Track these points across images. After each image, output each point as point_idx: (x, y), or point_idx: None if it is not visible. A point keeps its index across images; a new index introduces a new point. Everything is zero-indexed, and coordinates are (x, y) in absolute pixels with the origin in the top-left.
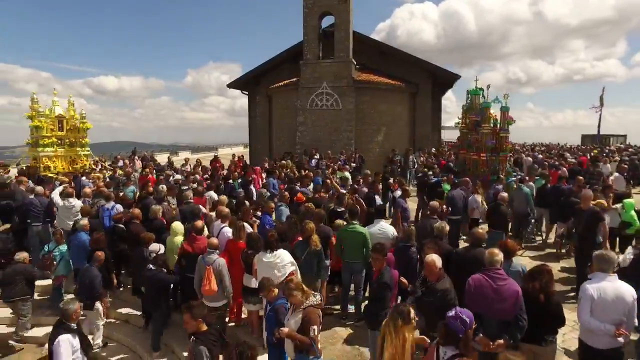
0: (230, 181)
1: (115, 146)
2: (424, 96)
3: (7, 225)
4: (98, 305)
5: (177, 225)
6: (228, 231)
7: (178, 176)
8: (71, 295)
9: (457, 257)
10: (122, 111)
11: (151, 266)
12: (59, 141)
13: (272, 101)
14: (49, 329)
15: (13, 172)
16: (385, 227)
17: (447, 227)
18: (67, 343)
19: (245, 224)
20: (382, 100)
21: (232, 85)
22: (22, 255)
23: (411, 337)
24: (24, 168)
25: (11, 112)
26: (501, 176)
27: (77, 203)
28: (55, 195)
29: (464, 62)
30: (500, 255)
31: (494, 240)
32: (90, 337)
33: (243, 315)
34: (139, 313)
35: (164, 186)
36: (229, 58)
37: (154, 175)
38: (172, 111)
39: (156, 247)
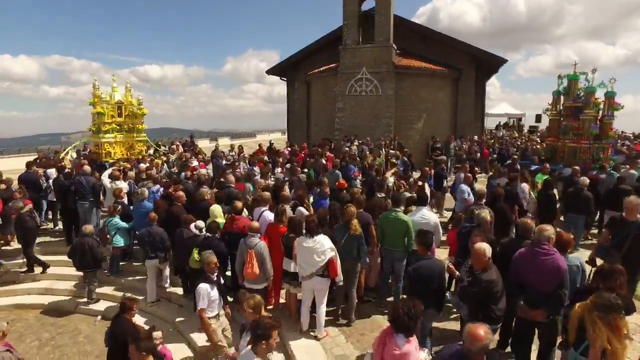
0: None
1: (159, 132)
2: (467, 82)
3: (30, 205)
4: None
5: (216, 208)
6: (269, 215)
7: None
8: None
9: (501, 249)
10: (165, 98)
11: (208, 234)
12: (118, 127)
13: (310, 87)
14: (107, 302)
15: (69, 155)
16: (427, 215)
17: (489, 216)
18: (205, 291)
19: (288, 208)
20: (423, 86)
21: (270, 71)
22: (89, 229)
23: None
24: (88, 153)
25: (67, 101)
26: (604, 165)
27: (123, 185)
28: (105, 177)
29: (510, 46)
30: (549, 231)
31: (571, 224)
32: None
33: (282, 300)
34: (180, 292)
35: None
36: (267, 46)
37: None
38: (211, 98)
39: (202, 224)
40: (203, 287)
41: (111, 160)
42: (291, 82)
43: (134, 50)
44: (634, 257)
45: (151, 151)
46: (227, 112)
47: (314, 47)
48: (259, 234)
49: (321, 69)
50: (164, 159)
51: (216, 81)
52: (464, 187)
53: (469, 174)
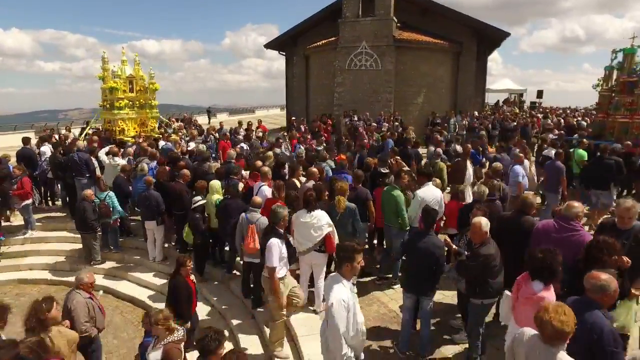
0: None
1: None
2: (468, 56)
3: None
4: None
5: (215, 184)
6: (266, 190)
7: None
8: None
9: (499, 221)
10: (163, 74)
11: (228, 195)
12: (130, 103)
13: (309, 62)
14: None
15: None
16: (435, 191)
17: (487, 191)
18: (277, 246)
19: (297, 182)
20: (423, 60)
21: (269, 45)
22: (87, 193)
23: None
24: (99, 130)
25: (64, 77)
26: None
27: (121, 162)
28: (102, 154)
29: (514, 20)
30: (577, 209)
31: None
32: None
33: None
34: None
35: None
36: (267, 19)
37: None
38: (210, 74)
39: (198, 198)
40: (275, 242)
41: (125, 138)
42: (290, 56)
43: (131, 25)
44: (631, 273)
45: (170, 129)
46: (226, 87)
47: (313, 20)
48: (259, 209)
49: (320, 43)
50: (181, 134)
51: (215, 56)
52: (518, 168)
53: (521, 154)
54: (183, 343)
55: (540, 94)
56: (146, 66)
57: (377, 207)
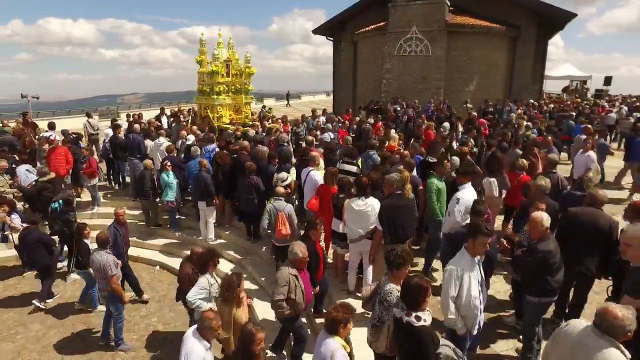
0: None
1: None
2: (526, 41)
3: (52, 175)
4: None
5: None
6: (315, 174)
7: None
8: None
9: (567, 217)
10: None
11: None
12: (226, 88)
13: (357, 47)
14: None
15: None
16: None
17: (550, 184)
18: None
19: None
20: (477, 46)
21: (317, 31)
22: (148, 162)
23: None
24: (197, 116)
25: (121, 64)
26: None
27: (165, 142)
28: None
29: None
30: None
31: None
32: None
33: (329, 260)
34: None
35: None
36: (313, 4)
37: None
38: (257, 59)
39: (285, 175)
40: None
41: (223, 125)
42: (338, 42)
43: (182, 12)
44: None
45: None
46: (271, 73)
47: (362, 4)
48: (283, 198)
49: (369, 28)
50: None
51: (262, 42)
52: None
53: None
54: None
55: (608, 80)
56: (195, 52)
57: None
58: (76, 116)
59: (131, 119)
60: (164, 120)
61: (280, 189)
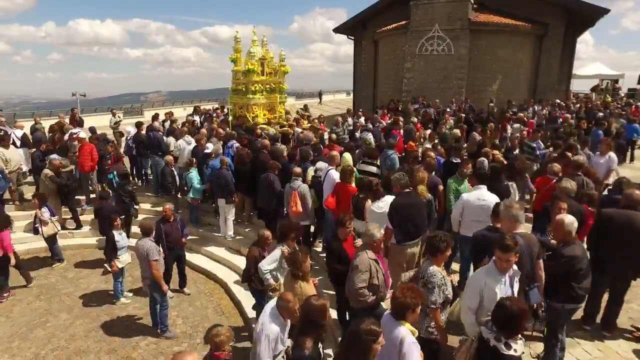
0: None
1: (227, 92)
2: (553, 39)
3: (72, 167)
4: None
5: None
6: (334, 173)
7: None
8: None
9: (601, 218)
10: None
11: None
12: (260, 87)
13: (378, 46)
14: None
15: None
16: (486, 196)
17: (575, 186)
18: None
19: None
20: (500, 44)
21: (337, 30)
22: (168, 158)
23: None
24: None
25: (145, 62)
26: None
27: (194, 142)
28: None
29: None
30: None
31: None
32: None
33: None
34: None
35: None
36: (334, 3)
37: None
38: (278, 58)
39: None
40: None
41: (261, 125)
42: (358, 41)
43: (205, 12)
44: None
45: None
46: (291, 71)
47: (384, 3)
48: (301, 178)
49: (390, 26)
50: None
51: (283, 41)
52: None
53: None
54: None
55: None
56: (218, 51)
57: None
58: (104, 114)
59: (162, 117)
60: (196, 119)
61: (297, 169)
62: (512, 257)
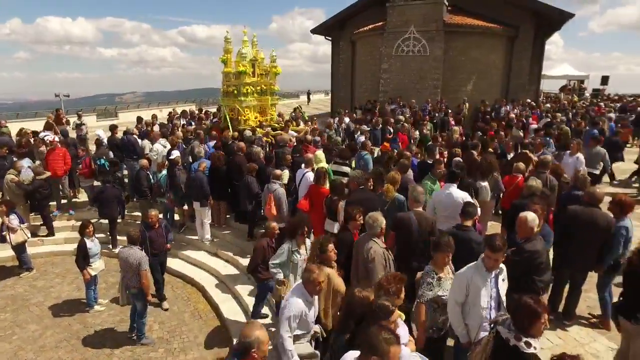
0: None
1: (205, 93)
2: (523, 41)
3: (48, 173)
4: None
5: (320, 154)
6: (311, 176)
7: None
8: None
9: (569, 215)
10: (211, 59)
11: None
12: (252, 89)
13: (355, 47)
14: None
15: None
16: (455, 194)
17: (541, 184)
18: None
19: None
20: (474, 46)
21: (315, 30)
22: (143, 162)
23: None
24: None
25: (120, 62)
26: None
27: (168, 145)
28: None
29: None
30: None
31: None
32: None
33: None
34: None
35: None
36: (314, 3)
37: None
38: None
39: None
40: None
41: (252, 127)
42: (336, 41)
43: (182, 11)
44: None
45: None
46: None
47: (361, 4)
48: (279, 182)
49: (367, 27)
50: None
51: (262, 40)
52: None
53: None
54: None
55: (605, 80)
56: (195, 51)
57: None
58: (71, 116)
59: (147, 120)
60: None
61: (277, 172)
62: (500, 257)
